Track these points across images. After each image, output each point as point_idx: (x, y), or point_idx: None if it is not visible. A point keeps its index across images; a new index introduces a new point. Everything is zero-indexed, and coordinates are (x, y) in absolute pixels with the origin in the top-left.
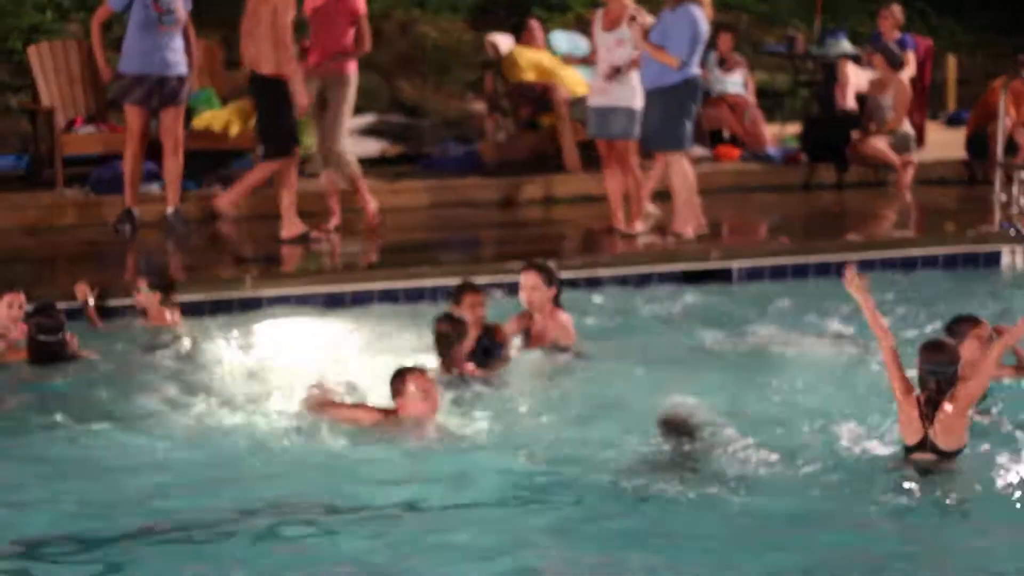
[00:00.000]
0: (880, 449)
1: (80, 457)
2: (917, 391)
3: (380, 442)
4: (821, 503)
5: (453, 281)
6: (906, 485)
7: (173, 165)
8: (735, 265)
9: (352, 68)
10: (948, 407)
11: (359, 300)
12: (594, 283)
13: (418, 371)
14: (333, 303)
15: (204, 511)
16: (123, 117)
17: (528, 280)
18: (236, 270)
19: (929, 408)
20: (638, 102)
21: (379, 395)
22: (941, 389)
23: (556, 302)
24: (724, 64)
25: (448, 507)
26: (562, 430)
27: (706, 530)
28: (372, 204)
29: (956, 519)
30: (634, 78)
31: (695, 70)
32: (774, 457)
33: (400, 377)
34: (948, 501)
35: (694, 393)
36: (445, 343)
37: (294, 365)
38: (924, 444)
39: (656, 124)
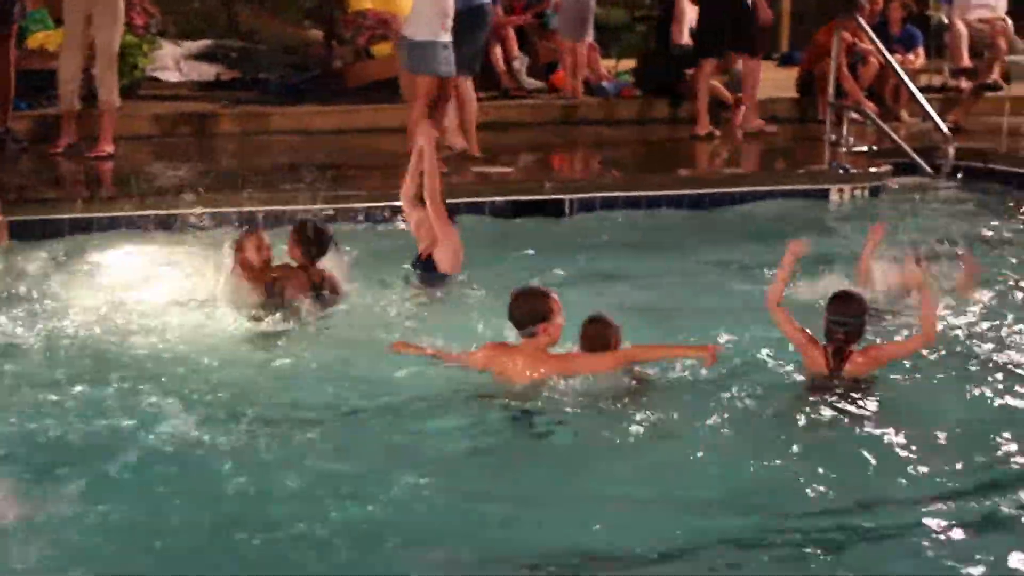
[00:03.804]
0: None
1: None
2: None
3: None
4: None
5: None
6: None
7: (5, 85)
8: (567, 197)
9: None
10: (860, 359)
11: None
12: None
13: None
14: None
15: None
16: None
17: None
18: (66, 191)
19: (836, 358)
20: None
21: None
22: (848, 340)
23: None
24: None
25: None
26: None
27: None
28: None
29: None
30: None
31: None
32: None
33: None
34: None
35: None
36: None
37: (122, 288)
38: (829, 382)
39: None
